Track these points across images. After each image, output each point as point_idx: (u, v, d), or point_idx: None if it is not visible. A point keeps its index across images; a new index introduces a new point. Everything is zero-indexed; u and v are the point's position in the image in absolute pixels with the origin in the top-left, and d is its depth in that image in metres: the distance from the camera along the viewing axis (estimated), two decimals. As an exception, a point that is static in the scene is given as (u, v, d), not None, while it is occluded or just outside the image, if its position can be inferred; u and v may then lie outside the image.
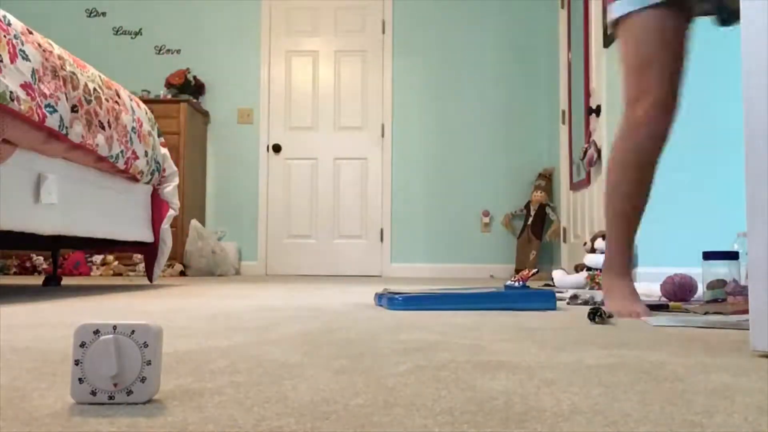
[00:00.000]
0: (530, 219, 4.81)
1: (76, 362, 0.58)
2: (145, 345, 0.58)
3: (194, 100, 4.90)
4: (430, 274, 4.95)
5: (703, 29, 1.70)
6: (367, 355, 0.89)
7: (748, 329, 0.92)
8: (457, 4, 5.14)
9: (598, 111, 3.72)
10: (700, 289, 1.97)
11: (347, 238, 5.04)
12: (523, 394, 0.65)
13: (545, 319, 1.45)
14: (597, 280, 2.55)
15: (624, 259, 1.60)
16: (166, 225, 2.97)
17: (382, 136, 5.12)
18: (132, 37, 5.25)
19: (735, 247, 1.78)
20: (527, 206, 4.91)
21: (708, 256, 1.82)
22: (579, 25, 4.21)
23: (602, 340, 1.08)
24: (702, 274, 1.84)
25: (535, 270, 1.92)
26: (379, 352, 0.92)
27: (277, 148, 5.12)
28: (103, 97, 2.30)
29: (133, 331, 0.59)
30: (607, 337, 1.14)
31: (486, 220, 5.06)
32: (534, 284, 2.25)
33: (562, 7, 4.66)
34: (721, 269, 1.76)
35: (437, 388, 0.67)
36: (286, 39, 5.20)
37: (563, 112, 4.62)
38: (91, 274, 4.46)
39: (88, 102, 2.17)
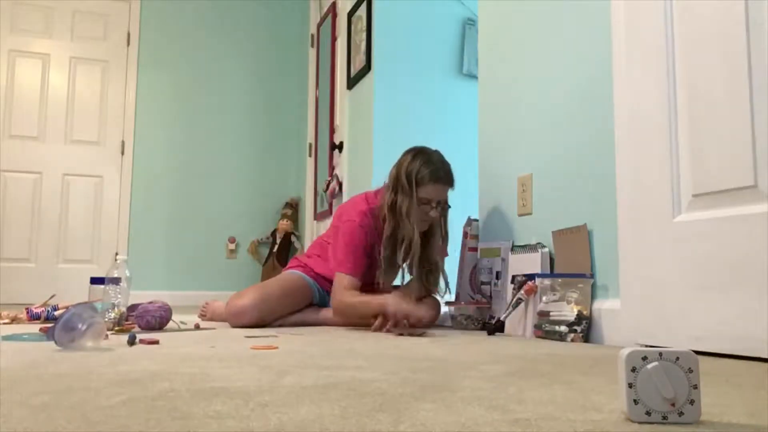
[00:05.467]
0: (276, 246, 4.89)
1: (630, 385, 0.65)
2: (690, 371, 0.65)
3: None
4: (172, 301, 4.71)
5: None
6: (76, 390, 0.83)
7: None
8: (209, 27, 5.06)
9: (340, 147, 3.97)
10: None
11: (73, 263, 4.56)
12: (237, 417, 0.67)
13: (275, 344, 1.50)
14: None
15: None
16: None
17: (122, 153, 4.78)
18: None
19: (115, 274, 1.94)
20: (273, 234, 4.98)
21: (94, 281, 1.97)
22: (326, 65, 4.47)
23: (324, 362, 1.16)
24: (89, 296, 1.95)
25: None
26: (91, 386, 0.86)
27: (-10, 158, 4.45)
28: None
29: (677, 358, 0.65)
30: (328, 358, 1.22)
31: (232, 246, 5.00)
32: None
33: (312, 46, 4.90)
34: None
35: (147, 418, 0.66)
36: (10, 37, 4.60)
37: (310, 145, 4.83)
38: None
39: None
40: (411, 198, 2.14)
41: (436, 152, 2.24)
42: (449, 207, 2.26)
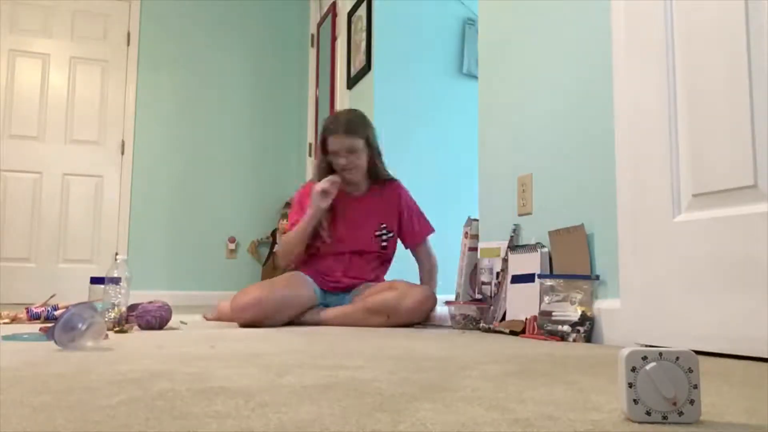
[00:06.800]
0: (276, 246, 4.89)
1: (630, 385, 0.64)
2: (690, 371, 0.64)
3: None
4: (172, 301, 4.70)
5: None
6: (76, 390, 0.83)
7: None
8: (209, 26, 5.07)
9: (340, 147, 3.97)
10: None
11: (73, 263, 4.57)
12: (237, 416, 0.67)
13: (275, 344, 1.50)
14: None
15: None
16: None
17: (122, 153, 4.78)
18: None
19: (115, 273, 1.96)
20: (273, 234, 4.98)
21: (94, 280, 1.98)
22: (326, 65, 4.47)
23: (324, 362, 1.16)
24: (89, 295, 1.97)
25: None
26: (91, 386, 0.86)
27: (-10, 158, 4.45)
28: None
29: (677, 358, 0.64)
30: (328, 358, 1.22)
31: (232, 246, 5.00)
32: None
33: (312, 46, 4.90)
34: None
35: (148, 417, 0.66)
36: (10, 37, 4.60)
37: (310, 145, 4.83)
38: None
39: None
40: (320, 153, 2.48)
41: (348, 110, 2.60)
42: (374, 151, 2.47)
